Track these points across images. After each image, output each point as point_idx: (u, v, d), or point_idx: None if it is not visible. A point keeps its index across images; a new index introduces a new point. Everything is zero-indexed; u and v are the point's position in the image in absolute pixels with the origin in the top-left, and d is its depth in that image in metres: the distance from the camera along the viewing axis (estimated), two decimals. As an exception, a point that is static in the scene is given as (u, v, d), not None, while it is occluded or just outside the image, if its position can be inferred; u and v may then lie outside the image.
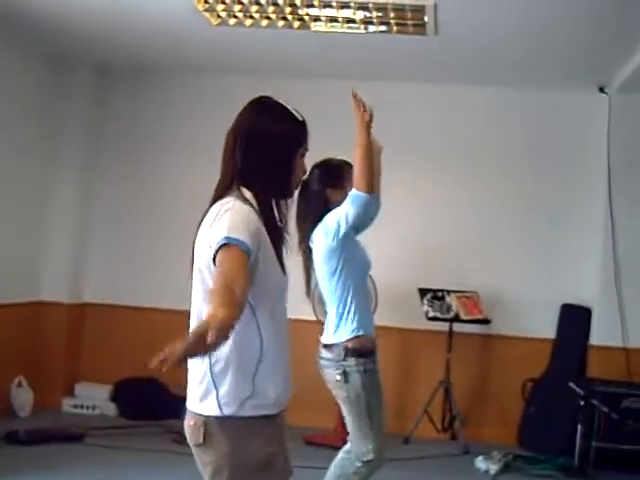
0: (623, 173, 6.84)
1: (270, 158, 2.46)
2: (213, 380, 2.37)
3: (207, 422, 2.37)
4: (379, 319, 6.65)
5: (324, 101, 7.01)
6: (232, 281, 2.18)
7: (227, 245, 2.26)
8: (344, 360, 3.92)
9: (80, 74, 7.39)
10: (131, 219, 7.55)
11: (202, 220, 2.45)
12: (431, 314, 6.83)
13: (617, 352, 6.72)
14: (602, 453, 6.10)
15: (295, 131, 2.52)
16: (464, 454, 6.47)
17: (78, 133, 7.43)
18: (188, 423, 2.43)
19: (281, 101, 2.55)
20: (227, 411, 2.35)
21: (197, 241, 2.44)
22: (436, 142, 7.25)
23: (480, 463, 6.10)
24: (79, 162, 7.46)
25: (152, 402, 6.90)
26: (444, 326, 6.92)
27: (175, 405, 6.64)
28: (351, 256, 3.93)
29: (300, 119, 2.53)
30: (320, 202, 3.97)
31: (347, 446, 4.10)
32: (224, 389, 2.36)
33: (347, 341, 3.93)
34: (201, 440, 2.37)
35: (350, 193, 3.81)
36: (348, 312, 3.96)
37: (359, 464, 4.04)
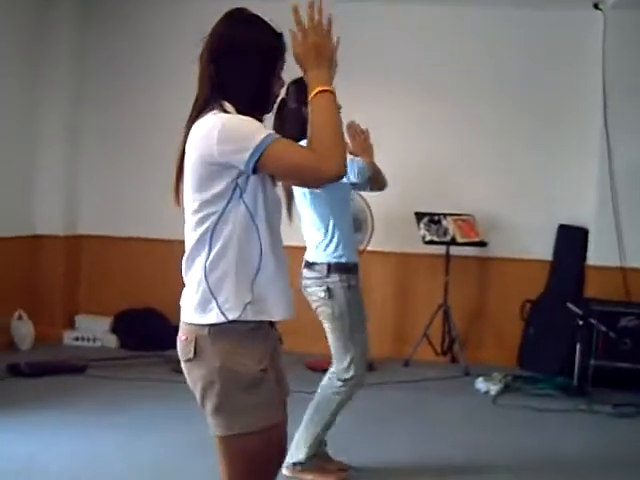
0: (618, 91, 6.76)
1: (249, 71, 2.38)
2: (210, 289, 2.34)
3: (198, 337, 2.34)
4: (376, 244, 6.74)
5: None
6: (300, 157, 2.28)
7: (266, 150, 2.24)
8: (327, 277, 3.97)
9: (63, 6, 7.24)
10: (122, 149, 7.48)
11: (184, 142, 2.38)
12: (428, 238, 6.82)
13: (614, 272, 6.75)
14: (600, 371, 6.15)
15: (273, 43, 2.42)
16: (464, 376, 6.53)
17: (65, 63, 7.31)
18: (180, 338, 2.41)
19: (256, 13, 2.45)
20: (231, 316, 2.33)
21: (186, 158, 2.37)
22: (429, 63, 7.13)
23: (480, 384, 6.16)
24: (67, 93, 7.36)
25: (152, 333, 6.92)
26: (441, 249, 6.92)
27: (174, 335, 6.76)
28: (330, 191, 3.88)
29: (278, 31, 2.43)
30: (297, 120, 3.79)
31: (331, 367, 4.13)
32: (224, 296, 2.33)
33: (331, 260, 3.98)
34: (191, 355, 2.34)
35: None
36: (331, 239, 4.00)
37: (339, 383, 4.08)
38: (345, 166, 2.29)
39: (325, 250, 4.01)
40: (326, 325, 4.05)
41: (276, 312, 2.40)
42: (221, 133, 2.26)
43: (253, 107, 2.41)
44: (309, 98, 2.33)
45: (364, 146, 4.18)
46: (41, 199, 7.26)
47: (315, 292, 4.00)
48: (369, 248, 6.63)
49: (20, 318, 6.92)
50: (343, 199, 4.10)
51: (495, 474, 4.51)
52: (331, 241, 4.01)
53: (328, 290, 3.95)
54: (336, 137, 2.28)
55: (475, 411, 5.71)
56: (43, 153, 7.25)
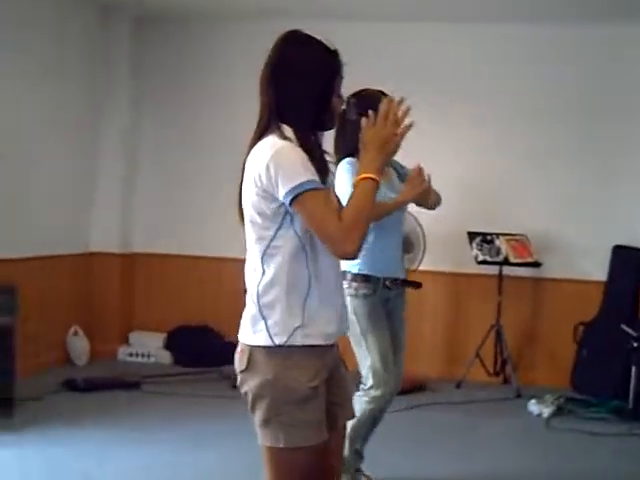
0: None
1: (305, 91, 2.43)
2: (261, 312, 2.42)
3: (253, 350, 2.42)
4: (429, 264, 6.73)
5: (362, 42, 6.94)
6: (327, 219, 2.32)
7: (302, 195, 2.31)
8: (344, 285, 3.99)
9: (121, 23, 7.39)
10: (178, 167, 7.58)
11: (245, 163, 2.46)
12: (480, 258, 6.80)
13: (671, 293, 6.65)
14: (656, 395, 6.06)
15: (329, 61, 2.47)
16: (516, 397, 6.47)
17: (123, 82, 7.45)
18: (237, 351, 2.49)
19: (311, 33, 2.49)
20: (278, 340, 2.39)
21: (245, 181, 2.45)
22: (482, 84, 7.13)
23: (533, 406, 6.10)
24: (125, 112, 7.48)
25: (206, 349, 6.99)
26: (494, 270, 6.88)
27: (229, 352, 6.75)
28: None
29: (332, 49, 2.48)
30: (357, 132, 3.88)
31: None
32: (273, 319, 2.40)
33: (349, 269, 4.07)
34: (244, 366, 2.42)
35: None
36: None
37: (361, 393, 4.11)
38: (359, 251, 2.35)
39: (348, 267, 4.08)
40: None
41: (325, 335, 2.45)
42: (269, 162, 2.34)
43: (313, 126, 2.48)
44: (357, 179, 2.39)
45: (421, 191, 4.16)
46: (97, 217, 7.39)
47: None
48: (421, 268, 6.63)
49: (76, 334, 7.05)
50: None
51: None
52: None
53: None
54: (363, 224, 2.35)
55: (527, 434, 5.66)
56: (100, 171, 7.39)
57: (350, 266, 4.05)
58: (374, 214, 2.38)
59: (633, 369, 6.00)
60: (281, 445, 2.40)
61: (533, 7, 6.61)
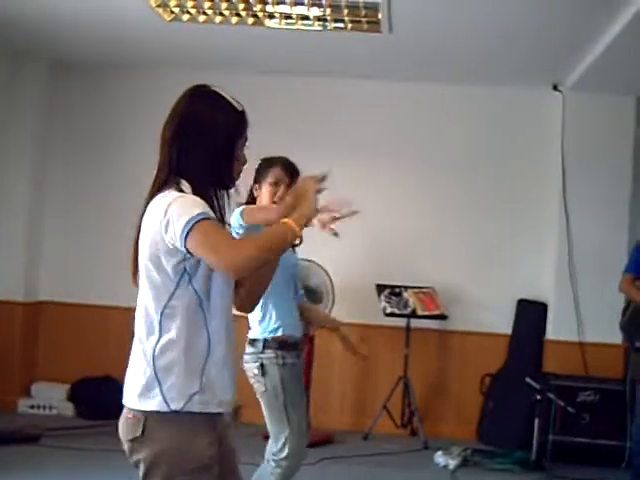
0: (577, 171, 6.91)
1: (210, 148, 2.38)
2: (156, 375, 2.30)
3: (147, 416, 2.30)
4: (337, 315, 6.71)
5: (280, 97, 7.03)
6: (219, 245, 2.24)
7: (194, 226, 2.23)
8: (262, 352, 3.93)
9: (34, 69, 7.27)
10: (83, 216, 7.45)
11: (142, 215, 2.38)
12: (389, 310, 6.85)
13: (573, 347, 6.80)
14: (559, 446, 6.15)
15: (235, 120, 2.42)
16: (424, 449, 6.49)
17: (30, 129, 7.30)
18: (126, 416, 2.36)
19: (219, 90, 2.46)
20: (174, 406, 2.29)
21: (141, 236, 2.37)
22: (392, 140, 7.25)
23: (439, 458, 6.13)
24: (31, 158, 7.32)
25: (110, 401, 6.77)
26: (402, 322, 6.94)
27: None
28: None
29: (240, 109, 2.44)
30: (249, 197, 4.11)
31: (268, 447, 4.08)
32: (169, 383, 2.30)
33: (268, 335, 3.96)
34: (139, 433, 2.29)
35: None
36: (265, 313, 3.97)
37: (273, 464, 3.99)
38: (244, 268, 2.24)
39: (261, 325, 3.99)
40: (261, 402, 4.02)
41: (222, 403, 2.37)
42: (167, 212, 2.27)
43: (214, 183, 2.42)
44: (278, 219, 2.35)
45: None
46: (1, 265, 7.20)
47: (250, 368, 3.95)
48: (330, 319, 6.62)
49: (-26, 385, 6.82)
50: (282, 272, 4.09)
51: None
52: (266, 316, 3.98)
53: (262, 366, 3.91)
54: (261, 250, 2.25)
55: (433, 486, 5.68)
56: (4, 219, 7.22)
57: (264, 331, 3.96)
58: (271, 249, 2.31)
59: (536, 421, 6.10)
60: None
61: (430, 71, 6.82)
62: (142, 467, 2.32)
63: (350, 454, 6.26)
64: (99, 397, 6.98)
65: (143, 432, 2.30)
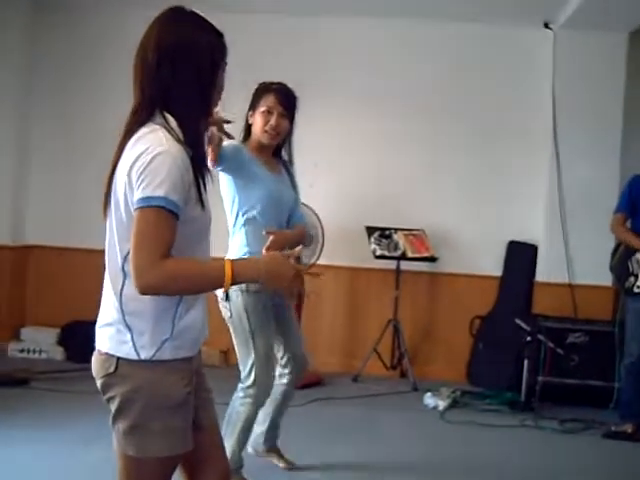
0: (567, 110, 6.85)
1: (196, 74, 2.23)
2: (125, 321, 2.24)
3: (119, 360, 2.25)
4: (327, 258, 6.72)
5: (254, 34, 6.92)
6: (149, 245, 2.12)
7: (157, 207, 2.12)
8: None
9: (15, 8, 7.13)
10: (72, 159, 7.37)
11: (119, 152, 2.26)
12: (378, 252, 6.83)
13: (563, 288, 6.81)
14: (548, 387, 6.18)
15: (218, 43, 2.29)
16: (413, 391, 6.53)
17: (14, 68, 7.18)
18: (97, 354, 2.33)
19: (197, 11, 2.31)
20: (144, 354, 2.23)
21: (117, 178, 2.25)
22: (379, 79, 7.15)
23: (428, 399, 6.16)
24: (15, 101, 7.23)
25: (99, 345, 6.81)
26: (392, 264, 6.92)
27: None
28: (243, 190, 3.97)
29: (218, 30, 2.30)
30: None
31: None
32: (139, 330, 2.23)
33: None
34: (112, 370, 2.25)
35: None
36: (242, 237, 3.99)
37: (241, 393, 4.05)
38: (144, 289, 2.14)
39: (231, 250, 3.99)
40: (229, 327, 4.04)
41: (195, 344, 2.34)
42: (143, 166, 2.15)
43: (198, 111, 2.29)
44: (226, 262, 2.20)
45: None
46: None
47: (217, 292, 3.98)
48: (319, 262, 6.61)
49: (-36, 329, 6.80)
50: (273, 206, 4.07)
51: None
52: (237, 241, 3.99)
53: (226, 293, 3.92)
54: (179, 285, 2.16)
55: (423, 426, 5.70)
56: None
57: (237, 256, 3.90)
58: (188, 283, 2.20)
59: (526, 362, 6.12)
60: (148, 454, 2.26)
61: (421, 6, 6.69)
62: (116, 403, 2.27)
63: (340, 396, 6.28)
64: (88, 341, 6.92)
65: (116, 370, 2.25)
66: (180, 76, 2.23)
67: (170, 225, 2.13)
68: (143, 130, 2.23)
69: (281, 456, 4.52)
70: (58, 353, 7.05)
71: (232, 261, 2.19)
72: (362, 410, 5.98)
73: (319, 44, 7.16)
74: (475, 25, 6.99)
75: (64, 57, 7.37)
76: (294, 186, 4.22)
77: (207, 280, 2.21)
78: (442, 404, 6.06)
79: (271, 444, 4.48)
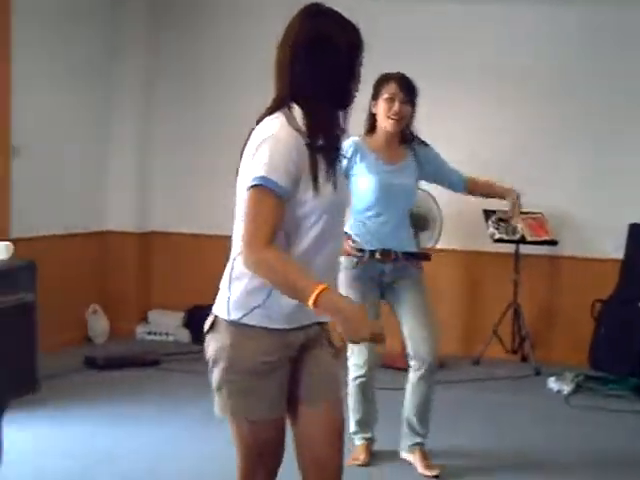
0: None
1: (330, 67, 2.35)
2: (229, 284, 2.42)
3: (216, 316, 2.45)
4: (444, 242, 6.73)
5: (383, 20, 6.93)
6: (253, 226, 2.29)
7: (259, 186, 2.28)
8: None
9: (134, 8, 7.40)
10: (194, 147, 7.58)
11: (247, 141, 2.42)
12: (497, 236, 6.79)
13: (689, 271, 6.64)
14: (675, 372, 6.06)
15: (353, 38, 2.40)
16: (535, 375, 6.48)
17: (136, 61, 7.45)
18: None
19: (333, 7, 2.43)
20: (233, 316, 2.39)
21: (243, 160, 2.41)
22: (497, 60, 7.08)
23: (553, 384, 6.11)
24: (140, 93, 7.51)
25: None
26: (510, 248, 6.88)
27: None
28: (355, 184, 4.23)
29: (356, 26, 2.42)
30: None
31: None
32: (235, 295, 2.39)
33: None
34: (206, 328, 2.47)
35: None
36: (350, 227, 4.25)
37: (349, 371, 4.31)
38: (246, 265, 2.30)
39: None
40: None
41: (288, 319, 2.40)
42: (257, 149, 2.32)
43: (335, 102, 2.40)
44: (317, 286, 2.24)
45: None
46: (114, 196, 7.42)
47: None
48: (437, 246, 6.62)
49: (95, 312, 7.09)
50: (395, 201, 4.27)
51: (567, 475, 4.48)
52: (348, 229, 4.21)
53: None
54: (269, 275, 2.28)
55: (548, 410, 5.67)
56: (115, 150, 7.41)
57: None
58: (277, 279, 2.29)
59: (650, 347, 6.01)
60: (227, 414, 2.45)
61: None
62: (209, 362, 2.47)
63: (461, 379, 6.30)
64: (213, 323, 7.16)
65: (211, 327, 2.46)
66: (311, 70, 2.36)
67: (271, 204, 2.28)
68: (267, 118, 2.39)
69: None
70: (184, 335, 7.28)
71: (322, 291, 2.22)
72: (484, 394, 5.99)
73: (456, 27, 7.13)
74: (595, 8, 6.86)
75: (184, 53, 7.56)
76: (430, 159, 4.35)
77: (292, 290, 2.29)
78: (567, 389, 6.01)
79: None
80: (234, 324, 2.39)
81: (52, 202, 6.57)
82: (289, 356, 2.45)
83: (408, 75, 4.26)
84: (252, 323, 2.37)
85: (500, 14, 7.07)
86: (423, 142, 4.37)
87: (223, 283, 2.45)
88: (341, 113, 2.45)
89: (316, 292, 2.22)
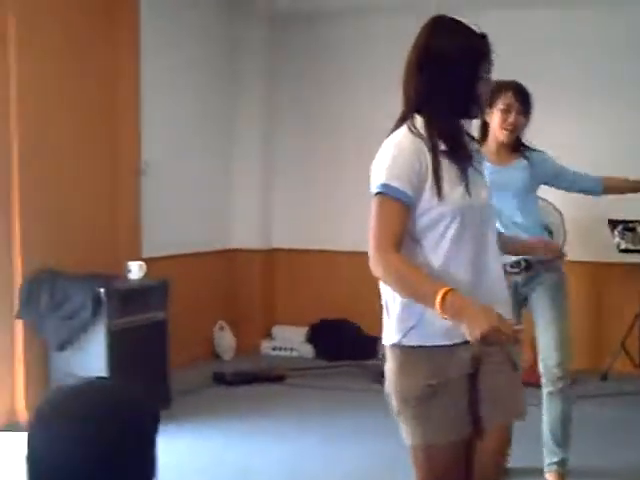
0: None
1: (452, 79, 2.38)
2: (387, 306, 2.45)
3: (386, 350, 2.47)
4: (568, 253, 6.58)
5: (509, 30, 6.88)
6: (377, 232, 2.34)
7: (381, 194, 2.35)
8: None
9: (253, 23, 7.55)
10: (315, 164, 7.68)
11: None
12: (623, 246, 6.64)
13: None
14: None
15: (474, 47, 2.40)
16: (666, 390, 6.29)
17: (256, 82, 7.61)
18: None
19: (457, 17, 2.45)
20: (393, 339, 2.41)
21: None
22: (616, 64, 6.92)
23: (685, 399, 5.92)
24: (259, 111, 7.65)
25: (346, 343, 7.08)
26: (638, 258, 6.71)
27: (367, 345, 6.90)
28: None
29: (479, 33, 2.41)
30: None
31: None
32: (393, 317, 2.41)
33: None
34: (381, 355, 2.55)
35: None
36: None
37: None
38: (372, 268, 2.34)
39: None
40: None
41: (448, 334, 2.35)
42: (380, 158, 2.41)
43: (455, 113, 2.44)
44: (444, 288, 2.25)
45: None
46: (238, 214, 7.61)
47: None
48: (562, 258, 6.51)
49: (222, 329, 7.28)
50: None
51: None
52: None
53: None
54: (393, 279, 2.32)
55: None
56: (238, 170, 7.60)
57: None
58: (404, 284, 2.33)
59: None
60: (409, 442, 2.43)
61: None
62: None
63: (591, 394, 6.15)
64: (336, 339, 7.25)
65: (383, 355, 2.51)
66: (434, 81, 2.41)
67: (394, 209, 2.33)
68: (393, 133, 2.46)
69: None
70: (307, 350, 7.38)
71: (447, 292, 2.22)
72: (613, 411, 5.83)
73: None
74: None
75: (304, 65, 7.68)
76: (545, 163, 4.26)
77: (417, 293, 2.31)
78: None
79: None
80: (396, 348, 2.42)
81: (180, 221, 6.78)
82: (462, 374, 2.41)
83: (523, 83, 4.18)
84: (411, 344, 2.39)
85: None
86: (535, 149, 4.27)
87: (383, 309, 2.49)
88: (468, 122, 2.50)
89: (441, 293, 2.21)
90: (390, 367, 2.43)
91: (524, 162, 4.21)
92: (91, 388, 1.56)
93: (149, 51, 6.31)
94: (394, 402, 2.43)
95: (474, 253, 2.41)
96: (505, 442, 2.54)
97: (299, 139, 7.76)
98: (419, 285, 2.28)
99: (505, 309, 2.42)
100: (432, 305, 2.22)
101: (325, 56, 7.62)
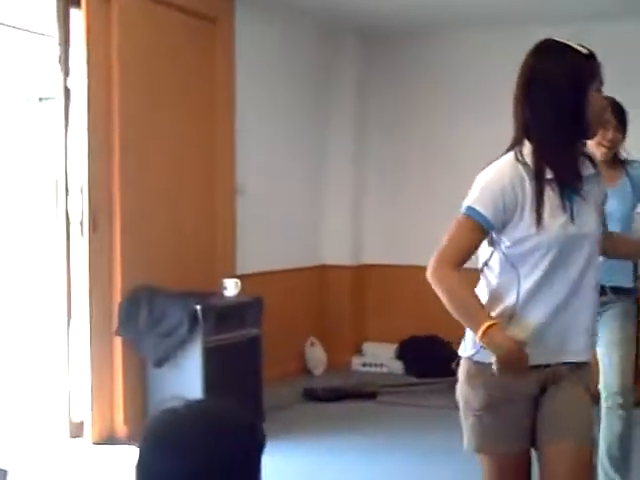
0: None
1: (558, 104, 2.37)
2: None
3: (461, 359, 2.58)
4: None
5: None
6: (445, 244, 2.46)
7: (463, 214, 2.44)
8: None
9: (346, 41, 7.62)
10: (406, 179, 7.72)
11: None
12: None
13: None
14: None
15: (582, 68, 2.38)
16: None
17: (347, 99, 7.69)
18: None
19: (562, 39, 2.43)
20: (467, 353, 2.52)
21: None
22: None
23: None
24: (350, 128, 7.72)
25: (437, 360, 7.03)
26: None
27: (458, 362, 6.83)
28: None
29: (585, 52, 2.38)
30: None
31: None
32: (470, 333, 2.50)
33: None
34: (455, 365, 2.61)
35: None
36: None
37: None
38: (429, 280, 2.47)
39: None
40: None
41: None
42: (476, 182, 2.49)
43: (567, 140, 2.41)
44: (491, 323, 2.38)
45: None
46: (329, 231, 7.68)
47: None
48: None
49: (313, 345, 7.33)
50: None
51: None
52: None
53: None
54: (445, 295, 2.45)
55: None
56: (329, 187, 7.68)
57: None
58: (454, 301, 2.46)
59: None
60: (468, 449, 2.58)
61: None
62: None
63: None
64: (426, 356, 7.22)
65: (457, 365, 2.61)
66: (539, 106, 2.41)
67: (468, 230, 2.44)
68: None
69: None
70: (397, 367, 7.38)
71: (493, 325, 2.36)
72: None
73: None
74: None
75: (396, 82, 7.71)
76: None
77: (465, 313, 2.46)
78: None
79: None
80: (469, 360, 2.53)
81: (272, 238, 6.88)
82: (527, 395, 2.50)
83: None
84: (482, 360, 2.46)
85: None
86: (634, 160, 4.18)
87: None
88: (580, 145, 2.49)
89: (487, 323, 2.35)
90: (460, 376, 2.56)
91: (625, 179, 4.16)
92: (192, 412, 1.55)
93: (242, 83, 6.37)
94: (461, 411, 2.57)
95: (564, 295, 2.43)
96: (577, 469, 2.46)
97: (390, 156, 7.79)
98: (469, 307, 2.44)
99: (581, 339, 2.50)
100: (474, 331, 2.41)
101: (417, 72, 7.64)
